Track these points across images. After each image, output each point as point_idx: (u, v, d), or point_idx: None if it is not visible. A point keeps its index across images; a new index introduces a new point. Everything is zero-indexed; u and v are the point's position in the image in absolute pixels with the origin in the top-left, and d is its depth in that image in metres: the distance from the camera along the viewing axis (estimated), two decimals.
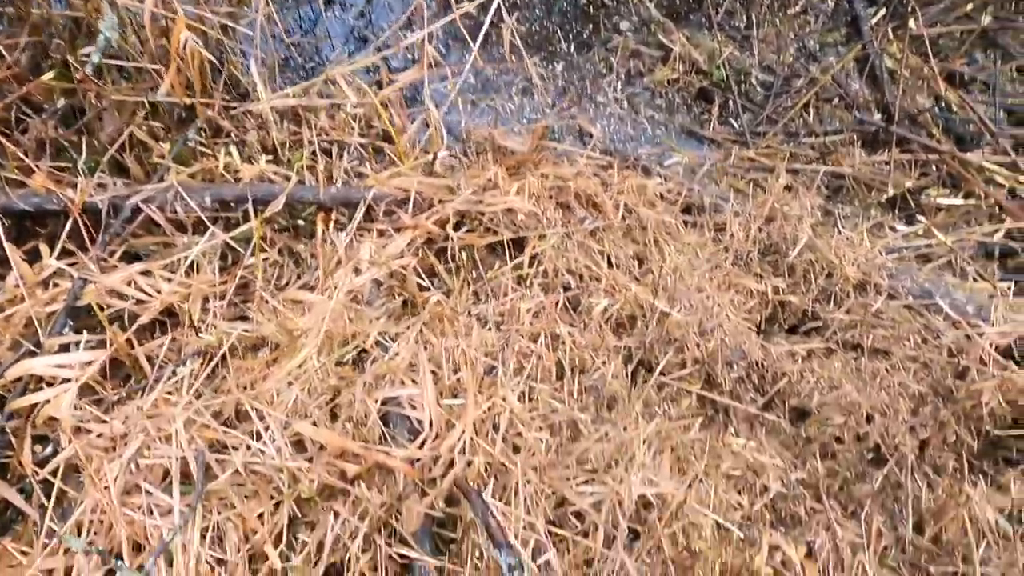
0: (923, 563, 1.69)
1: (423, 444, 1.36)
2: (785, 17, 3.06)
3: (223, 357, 1.55)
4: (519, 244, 2.03)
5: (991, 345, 1.90)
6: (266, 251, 1.85)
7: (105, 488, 1.34)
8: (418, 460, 1.33)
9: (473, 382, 1.42)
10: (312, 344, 1.46)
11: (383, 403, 1.46)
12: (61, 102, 1.80)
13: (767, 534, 1.48)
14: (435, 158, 2.04)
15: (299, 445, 1.43)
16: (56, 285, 1.59)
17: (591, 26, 3.05)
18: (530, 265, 1.97)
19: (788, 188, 2.35)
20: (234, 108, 2.17)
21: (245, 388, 1.46)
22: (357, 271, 1.70)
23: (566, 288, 1.96)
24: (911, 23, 2.87)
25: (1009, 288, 2.10)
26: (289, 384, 1.44)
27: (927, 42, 2.80)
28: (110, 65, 1.89)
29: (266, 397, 1.42)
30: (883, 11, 2.99)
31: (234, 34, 2.40)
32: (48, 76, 1.78)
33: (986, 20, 2.85)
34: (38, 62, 1.94)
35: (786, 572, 1.46)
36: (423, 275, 1.89)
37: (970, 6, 2.89)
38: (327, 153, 2.21)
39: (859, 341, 2.07)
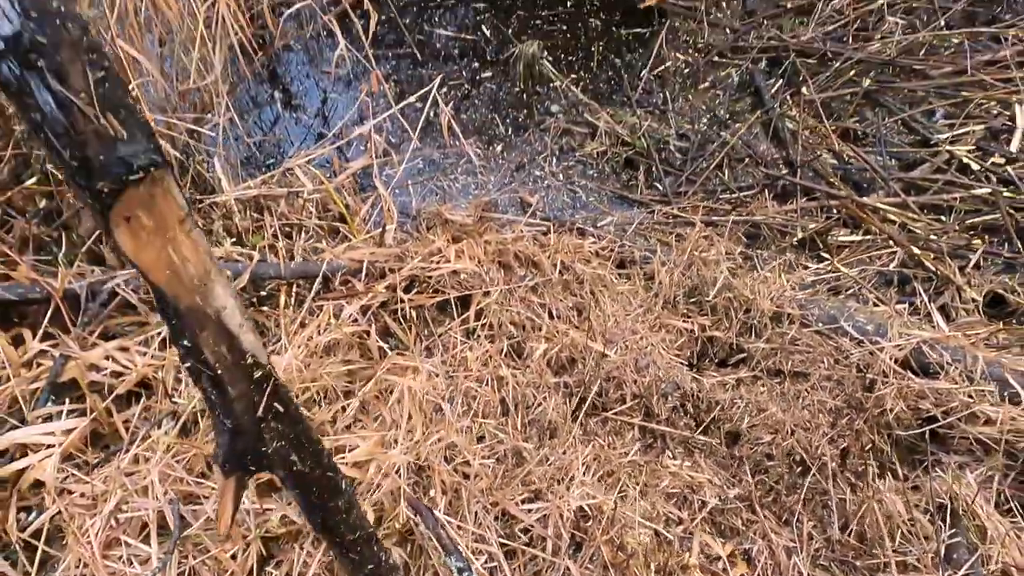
0: (851, 559, 1.84)
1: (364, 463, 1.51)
2: (696, 92, 3.45)
3: (194, 418, 1.70)
4: (465, 302, 2.24)
5: (891, 358, 2.13)
6: None
7: (87, 543, 1.46)
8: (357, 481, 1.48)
9: (421, 421, 1.59)
10: None
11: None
12: (43, 203, 2.00)
13: (699, 536, 1.63)
14: (384, 230, 2.27)
15: (264, 487, 1.56)
16: (39, 365, 1.75)
17: (525, 111, 3.40)
18: (476, 319, 2.17)
19: (706, 237, 2.63)
20: (201, 202, 2.39)
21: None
22: (317, 334, 1.89)
23: (510, 337, 2.16)
24: (804, 90, 3.27)
25: (904, 309, 2.35)
26: None
27: (819, 105, 3.18)
28: None
29: None
30: (780, 81, 3.39)
31: (199, 137, 2.66)
32: (30, 182, 1.99)
33: (867, 84, 3.26)
34: (19, 171, 2.16)
35: (713, 567, 1.60)
36: (379, 335, 2.08)
37: (853, 72, 3.31)
38: (287, 235, 2.43)
39: (780, 367, 2.29)
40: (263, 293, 2.13)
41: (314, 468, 0.98)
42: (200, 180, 2.45)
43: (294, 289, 2.14)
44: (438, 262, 2.20)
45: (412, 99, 2.80)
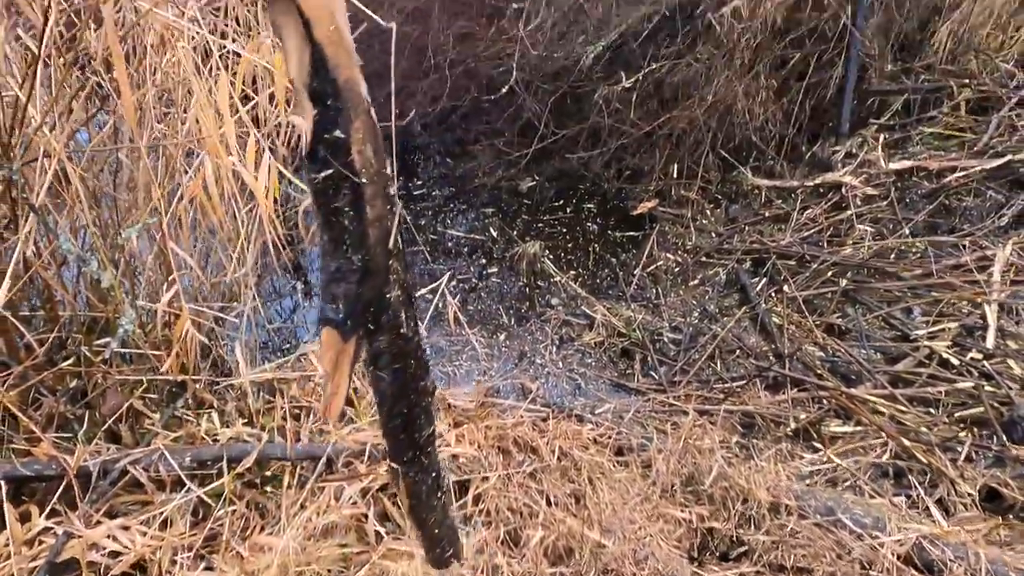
0: None
1: None
2: (687, 288, 3.71)
3: None
4: (464, 486, 2.27)
5: (892, 554, 2.11)
6: (235, 504, 2.06)
7: None
8: None
9: None
10: None
11: None
12: (73, 383, 2.14)
13: None
14: None
15: None
16: (41, 543, 1.77)
17: (528, 303, 3.65)
18: (474, 504, 2.19)
19: (700, 426, 2.70)
20: (218, 384, 2.53)
21: None
22: (317, 515, 1.92)
23: (507, 524, 2.16)
24: (786, 288, 3.52)
25: (901, 501, 2.36)
26: None
27: (801, 302, 3.41)
28: (117, 352, 2.28)
29: None
30: (764, 280, 3.66)
31: (224, 323, 2.87)
32: (67, 364, 2.15)
33: (844, 283, 3.51)
34: (55, 353, 2.33)
35: None
36: (377, 518, 2.10)
37: (830, 273, 3.58)
38: (296, 417, 2.54)
39: (783, 562, 2.25)
40: (268, 473, 2.18)
41: (415, 333, 0.84)
42: (220, 363, 2.60)
43: (298, 470, 2.20)
44: (439, 446, 2.27)
45: (423, 291, 3.05)
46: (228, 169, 1.90)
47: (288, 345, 3.43)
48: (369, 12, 1.68)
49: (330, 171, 0.69)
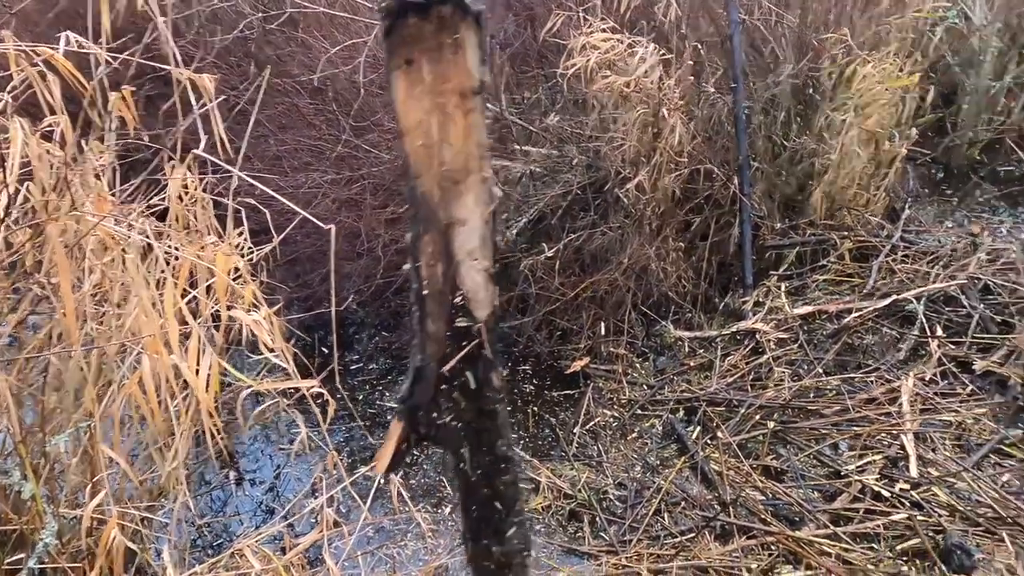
0: None
1: None
2: (626, 442, 3.78)
3: None
4: None
5: None
6: None
7: None
8: None
9: None
10: None
11: None
12: None
13: None
14: None
15: None
16: None
17: None
18: None
19: None
20: None
21: None
22: None
23: None
24: (719, 434, 3.65)
25: None
26: None
27: (735, 447, 3.52)
28: (33, 568, 2.11)
29: None
30: (698, 427, 3.78)
31: (150, 523, 2.71)
32: None
33: (772, 425, 3.67)
34: None
35: None
36: None
37: (758, 416, 3.74)
38: None
39: None
40: None
41: (482, 483, 0.78)
42: (147, 568, 2.43)
43: None
44: None
45: (364, 470, 3.00)
46: (168, 367, 1.92)
47: (221, 540, 3.23)
48: (310, 216, 1.84)
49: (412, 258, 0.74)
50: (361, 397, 4.21)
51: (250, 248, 2.49)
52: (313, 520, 3.25)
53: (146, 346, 1.91)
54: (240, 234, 2.36)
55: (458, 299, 0.71)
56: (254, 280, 2.18)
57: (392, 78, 0.65)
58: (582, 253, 4.36)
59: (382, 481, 3.13)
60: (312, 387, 1.96)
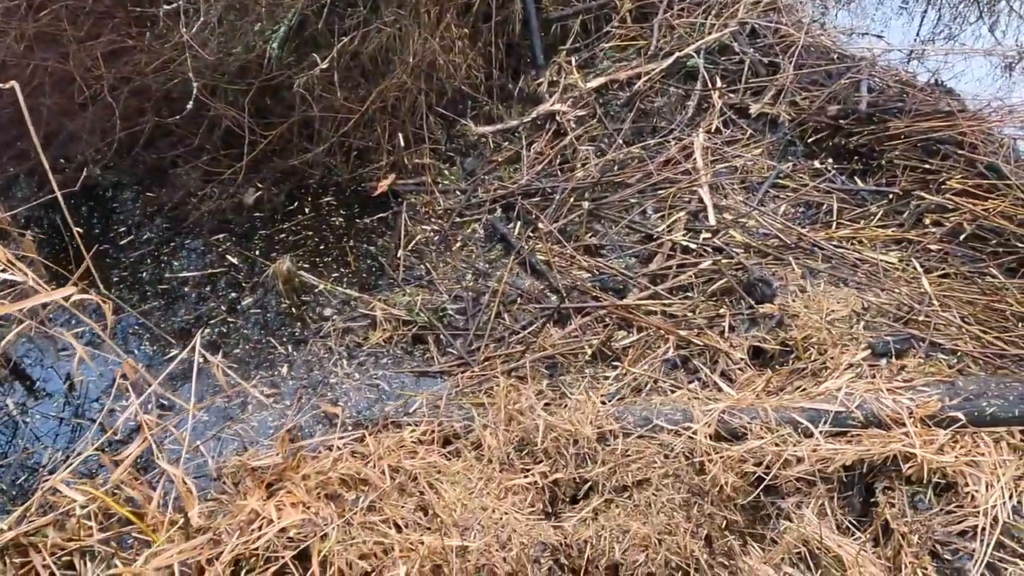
0: None
1: None
2: (452, 254, 3.69)
3: None
4: (304, 555, 2.04)
5: (705, 436, 2.35)
6: None
7: None
8: None
9: None
10: None
11: None
12: None
13: None
14: (187, 518, 2.03)
15: None
16: None
17: (299, 323, 3.35)
18: (322, 571, 1.98)
19: (512, 386, 2.74)
20: None
21: None
22: None
23: (365, 574, 2.00)
24: (540, 224, 3.67)
25: (696, 387, 2.63)
26: None
27: (556, 233, 3.58)
28: None
29: None
30: (518, 223, 3.77)
31: None
32: None
33: (587, 205, 3.75)
34: None
35: None
36: None
37: (572, 199, 3.79)
38: (70, 566, 2.06)
39: (623, 482, 2.39)
40: None
41: None
42: None
43: None
44: (260, 527, 2.00)
45: (177, 355, 2.63)
46: None
47: (24, 476, 2.77)
48: None
49: None
50: (144, 274, 3.61)
51: None
52: (132, 422, 2.87)
53: None
54: None
55: None
56: None
57: None
58: (361, 58, 3.83)
59: (201, 360, 2.78)
60: (71, 296, 1.52)
